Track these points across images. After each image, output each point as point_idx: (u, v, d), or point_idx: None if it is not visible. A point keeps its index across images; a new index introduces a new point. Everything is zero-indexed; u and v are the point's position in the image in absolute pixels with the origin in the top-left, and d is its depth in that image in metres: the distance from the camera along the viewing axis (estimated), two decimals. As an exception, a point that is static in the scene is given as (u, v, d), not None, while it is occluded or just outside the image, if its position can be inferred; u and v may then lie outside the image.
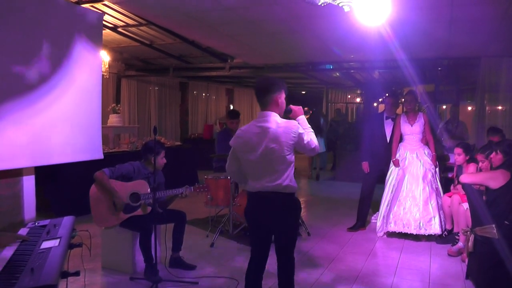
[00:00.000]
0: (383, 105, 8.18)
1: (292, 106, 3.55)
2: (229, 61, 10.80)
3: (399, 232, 6.09)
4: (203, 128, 15.16)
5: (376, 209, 6.62)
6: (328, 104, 16.81)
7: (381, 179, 6.51)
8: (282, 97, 3.42)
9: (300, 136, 3.30)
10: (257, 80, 3.78)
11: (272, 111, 3.37)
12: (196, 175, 10.48)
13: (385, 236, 6.25)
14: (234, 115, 7.32)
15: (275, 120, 3.33)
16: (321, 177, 11.89)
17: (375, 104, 15.44)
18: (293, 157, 3.38)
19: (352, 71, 12.05)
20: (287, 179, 3.34)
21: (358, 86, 16.21)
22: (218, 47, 9.46)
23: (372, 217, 7.00)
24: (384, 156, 6.43)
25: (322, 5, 4.28)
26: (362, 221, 6.67)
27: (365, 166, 6.56)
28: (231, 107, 17.30)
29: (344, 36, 6.84)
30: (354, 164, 8.65)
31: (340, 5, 4.20)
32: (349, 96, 18.67)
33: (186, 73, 12.63)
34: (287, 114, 3.55)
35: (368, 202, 6.70)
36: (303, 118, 3.52)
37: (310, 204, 8.70)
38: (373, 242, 6.03)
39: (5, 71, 4.79)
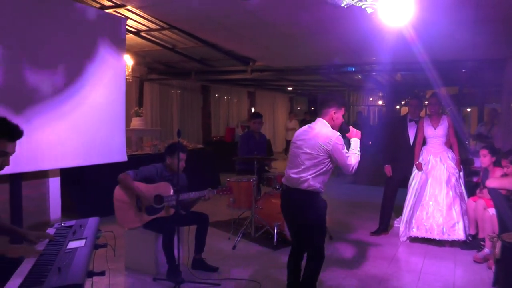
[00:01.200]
0: (406, 107, 8.10)
1: (351, 127, 3.94)
2: (251, 64, 10.82)
3: (422, 237, 5.99)
4: (225, 131, 15.22)
5: (399, 213, 6.52)
6: (350, 107, 16.72)
7: (404, 183, 6.41)
8: (338, 113, 3.84)
9: (335, 147, 3.65)
10: (322, 94, 4.13)
11: (323, 119, 3.84)
12: (218, 177, 10.52)
13: (408, 241, 6.15)
14: (255, 115, 7.36)
15: (321, 125, 3.81)
16: (342, 181, 11.83)
17: (397, 107, 15.30)
18: (327, 162, 3.73)
19: (374, 73, 11.96)
20: (310, 176, 3.72)
21: (380, 89, 16.09)
22: (239, 50, 9.50)
23: (395, 222, 6.91)
24: (407, 160, 6.32)
25: (345, 7, 4.27)
26: (384, 226, 6.60)
27: (388, 169, 6.49)
28: (253, 110, 17.33)
29: (366, 38, 6.80)
30: (376, 167, 8.57)
31: (363, 7, 4.19)
32: (371, 99, 18.56)
33: (208, 77, 12.69)
34: (344, 133, 3.90)
35: (390, 206, 6.61)
36: (355, 141, 3.90)
37: (332, 208, 8.57)
38: (395, 247, 5.96)
39: (32, 76, 4.88)
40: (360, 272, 5.02)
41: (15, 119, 3.05)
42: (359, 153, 3.84)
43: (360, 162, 3.82)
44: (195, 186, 5.01)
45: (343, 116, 3.92)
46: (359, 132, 3.93)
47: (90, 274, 2.61)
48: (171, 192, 4.78)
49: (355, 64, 10.37)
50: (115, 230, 3.64)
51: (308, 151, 3.74)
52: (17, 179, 5.01)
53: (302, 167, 3.75)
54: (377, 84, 14.48)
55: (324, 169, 3.75)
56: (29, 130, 4.77)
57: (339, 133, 3.76)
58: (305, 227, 3.86)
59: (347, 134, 3.93)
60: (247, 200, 6.20)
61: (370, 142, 3.69)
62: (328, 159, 3.73)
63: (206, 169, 10.08)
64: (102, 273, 2.69)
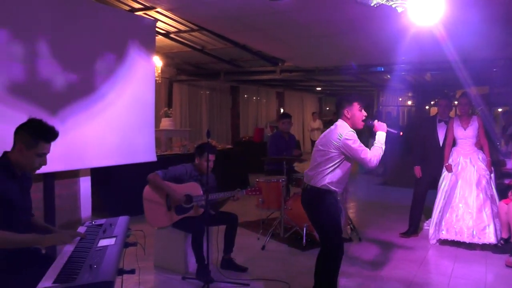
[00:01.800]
0: (435, 108, 7.96)
1: (375, 122, 3.95)
2: (280, 64, 10.82)
3: (451, 240, 5.87)
4: (253, 132, 15.25)
5: (429, 215, 6.41)
6: (379, 107, 16.54)
7: (434, 185, 6.29)
8: (352, 110, 3.88)
9: (344, 142, 3.70)
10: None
11: (342, 120, 3.91)
12: (247, 178, 10.55)
13: (438, 243, 6.04)
14: (284, 116, 7.38)
15: (338, 124, 3.88)
16: (372, 182, 11.72)
17: (427, 107, 15.06)
18: (341, 159, 3.78)
19: (403, 73, 11.80)
20: (322, 173, 3.81)
21: (409, 89, 15.86)
22: (268, 51, 9.50)
23: (425, 224, 6.80)
24: (436, 161, 6.20)
25: (375, 6, 4.24)
26: (414, 228, 6.50)
27: (417, 171, 6.38)
28: (282, 110, 17.32)
29: (396, 37, 6.73)
30: (405, 168, 8.46)
31: (393, 6, 4.15)
32: (400, 99, 18.31)
33: (237, 77, 12.75)
34: (370, 127, 3.98)
35: (420, 208, 6.50)
36: (379, 134, 3.89)
37: (361, 209, 8.58)
38: (425, 250, 5.87)
39: (65, 77, 5.00)
40: (389, 274, 4.96)
41: (50, 120, 3.14)
42: (383, 146, 3.82)
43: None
44: (224, 186, 5.04)
45: (363, 110, 3.93)
46: (383, 125, 3.92)
47: (121, 272, 2.65)
48: (200, 192, 4.82)
49: (384, 64, 10.27)
50: (145, 229, 3.69)
51: (320, 148, 3.85)
52: (50, 178, 5.14)
53: (315, 163, 3.87)
54: (406, 84, 14.28)
55: (335, 166, 3.79)
56: (63, 130, 4.87)
57: (351, 130, 3.79)
58: (317, 225, 4.04)
59: (374, 129, 3.95)
60: (276, 201, 6.20)
61: (401, 133, 3.62)
62: (342, 156, 3.77)
63: (235, 169, 10.11)
64: (132, 271, 2.73)
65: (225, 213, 5.09)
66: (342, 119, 3.91)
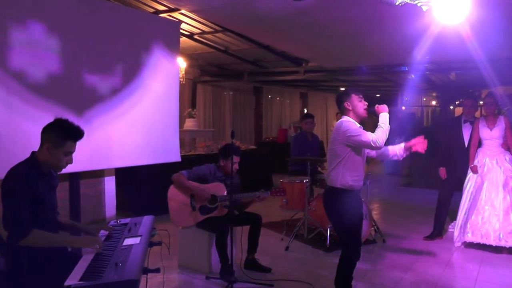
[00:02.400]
0: (460, 108, 7.81)
1: (376, 106, 3.91)
2: (303, 64, 10.79)
3: (477, 243, 5.75)
4: (277, 132, 15.23)
5: (454, 217, 6.29)
6: (402, 108, 16.34)
7: (459, 186, 6.15)
8: (351, 102, 3.91)
9: (342, 131, 3.74)
10: None
11: (346, 115, 3.92)
12: (271, 178, 10.54)
13: (463, 246, 5.92)
14: (307, 115, 7.38)
15: (339, 122, 3.92)
16: (396, 183, 11.59)
17: (451, 107, 14.82)
18: (346, 152, 3.78)
19: (427, 72, 11.62)
20: (333, 171, 3.84)
21: (434, 89, 15.62)
22: (292, 51, 9.49)
23: (450, 226, 6.68)
24: (462, 162, 6.07)
25: (399, 5, 4.20)
26: (439, 230, 6.38)
27: (442, 172, 6.27)
28: (305, 110, 17.26)
29: (420, 37, 6.64)
30: (430, 170, 8.34)
31: (418, 4, 4.10)
32: (424, 99, 18.08)
33: (261, 78, 12.74)
34: (374, 113, 3.93)
35: (445, 210, 6.37)
36: (382, 115, 3.84)
37: (385, 211, 8.49)
38: (450, 252, 5.77)
39: (90, 78, 5.09)
40: (414, 277, 4.89)
41: (76, 120, 3.19)
42: (386, 125, 3.76)
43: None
44: (247, 187, 5.05)
45: (363, 100, 3.93)
46: (385, 106, 3.89)
47: (145, 270, 2.68)
48: (225, 192, 4.83)
49: (408, 64, 10.13)
50: (169, 228, 3.72)
51: (330, 147, 3.93)
52: (75, 177, 5.23)
53: (329, 164, 3.93)
54: (431, 84, 14.08)
55: (345, 160, 3.78)
56: (89, 130, 4.96)
57: (349, 119, 3.85)
58: (333, 225, 4.18)
59: (377, 112, 3.92)
60: (300, 201, 6.18)
61: (403, 107, 3.53)
62: (348, 149, 3.77)
63: (259, 170, 10.12)
64: (157, 270, 2.77)
65: (249, 214, 5.09)
66: (346, 114, 3.93)
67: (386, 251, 5.79)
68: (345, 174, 3.79)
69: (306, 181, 6.16)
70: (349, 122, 3.80)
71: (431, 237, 6.33)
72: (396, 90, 16.38)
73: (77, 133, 2.97)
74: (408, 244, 6.14)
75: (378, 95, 19.66)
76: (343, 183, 3.80)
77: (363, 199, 5.86)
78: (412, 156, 11.20)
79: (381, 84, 15.09)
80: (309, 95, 17.96)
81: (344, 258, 3.90)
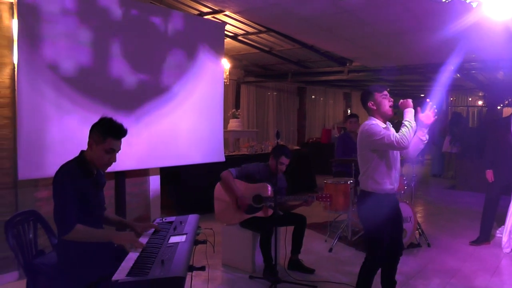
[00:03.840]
0: (509, 108, 7.53)
1: (400, 102, 3.68)
2: (347, 64, 10.67)
3: (527, 250, 5.52)
4: (320, 133, 15.13)
5: (502, 222, 6.06)
6: (447, 108, 15.91)
7: (507, 190, 5.89)
8: (375, 100, 3.70)
9: (365, 135, 3.59)
10: None
11: (372, 116, 3.74)
12: (315, 179, 10.48)
13: (512, 253, 5.72)
14: (351, 115, 7.31)
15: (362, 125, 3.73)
16: (441, 186, 11.32)
17: (499, 108, 14.32)
18: (374, 157, 3.62)
19: (473, 71, 11.26)
20: (364, 175, 3.71)
21: (480, 88, 15.11)
22: (336, 51, 9.40)
23: (497, 231, 6.45)
24: (510, 165, 5.83)
25: (446, 1, 4.09)
26: (485, 235, 6.15)
27: (489, 175, 6.02)
28: (349, 111, 17.08)
29: (467, 34, 6.45)
30: (476, 172, 8.09)
31: (467, 1, 3.98)
32: (470, 99, 17.54)
33: (304, 78, 12.69)
34: (399, 109, 3.70)
35: (492, 215, 6.11)
36: (407, 111, 3.59)
37: (430, 214, 8.26)
38: (498, 259, 5.55)
39: (139, 79, 5.20)
40: (459, 283, 4.74)
41: (126, 120, 3.26)
42: (411, 123, 3.50)
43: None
44: (292, 187, 5.03)
45: (388, 96, 3.71)
46: (408, 101, 3.63)
47: (191, 268, 2.71)
48: (270, 193, 4.83)
49: (454, 62, 9.83)
50: (214, 227, 3.75)
51: (358, 151, 3.78)
52: (121, 176, 5.35)
53: (360, 168, 3.79)
54: (477, 83, 13.65)
55: (373, 164, 3.64)
56: (137, 129, 5.08)
57: (372, 122, 3.64)
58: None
59: (401, 108, 3.67)
60: (344, 203, 6.10)
61: (428, 100, 3.27)
62: (375, 154, 3.62)
63: (303, 170, 10.08)
64: (202, 268, 2.79)
65: (294, 214, 5.08)
66: (371, 115, 3.74)
67: (431, 255, 5.64)
68: (375, 178, 3.65)
69: (350, 182, 6.08)
70: (372, 125, 3.59)
71: (477, 242, 6.12)
72: (441, 90, 15.93)
73: (118, 131, 3.01)
74: (453, 248, 5.96)
75: (422, 95, 19.23)
76: (373, 187, 3.66)
77: (407, 201, 5.77)
78: (457, 157, 10.91)
79: (426, 84, 14.75)
80: (353, 95, 17.75)
81: (364, 263, 3.80)
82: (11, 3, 4.42)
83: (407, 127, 3.47)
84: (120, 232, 2.97)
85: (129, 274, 2.34)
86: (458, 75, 11.68)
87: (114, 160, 3.08)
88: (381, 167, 3.64)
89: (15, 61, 4.33)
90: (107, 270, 2.56)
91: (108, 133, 2.98)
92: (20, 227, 3.12)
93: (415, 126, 3.52)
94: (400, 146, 3.43)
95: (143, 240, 2.93)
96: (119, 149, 3.08)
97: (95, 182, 3.11)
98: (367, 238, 3.85)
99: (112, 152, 3.03)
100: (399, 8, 5.72)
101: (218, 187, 5.06)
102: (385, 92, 3.70)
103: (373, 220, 3.66)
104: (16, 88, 4.28)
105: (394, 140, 3.42)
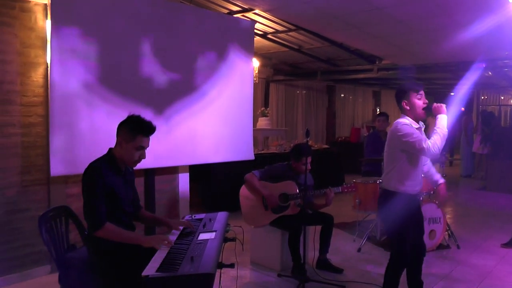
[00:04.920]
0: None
1: (433, 107, 3.58)
2: (377, 62, 10.57)
3: None
4: (349, 132, 15.01)
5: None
6: (478, 107, 15.57)
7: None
8: (410, 99, 3.61)
9: (396, 136, 3.54)
10: None
11: (405, 115, 3.66)
12: (343, 178, 10.41)
13: (547, 256, 5.54)
14: (380, 113, 7.22)
15: (394, 122, 3.65)
16: (473, 187, 11.10)
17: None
18: (402, 157, 3.57)
19: (506, 69, 10.96)
20: (389, 174, 3.68)
21: (513, 86, 14.72)
22: (366, 49, 9.33)
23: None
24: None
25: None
26: (517, 238, 6.02)
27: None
28: (378, 110, 16.89)
29: (501, 30, 6.29)
30: (507, 173, 7.87)
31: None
32: (502, 98, 17.11)
33: (334, 76, 12.59)
34: (431, 112, 3.62)
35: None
36: (440, 117, 3.52)
37: (460, 215, 8.08)
38: (531, 263, 5.39)
39: (169, 77, 5.25)
40: (492, 286, 4.63)
41: (156, 119, 3.30)
42: (444, 130, 3.43)
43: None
44: (320, 187, 5.00)
45: (423, 98, 3.61)
46: (441, 106, 3.54)
47: (220, 265, 2.73)
48: (296, 191, 4.82)
49: (486, 60, 9.60)
50: (243, 225, 3.77)
51: (386, 149, 3.74)
52: (151, 173, 5.41)
53: (385, 166, 3.76)
54: (510, 81, 13.30)
55: (399, 164, 3.60)
56: (168, 128, 5.14)
57: (404, 121, 3.57)
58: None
59: (434, 113, 3.58)
60: (373, 203, 6.03)
61: (462, 109, 3.20)
62: (404, 154, 3.57)
63: (331, 169, 10.02)
64: (231, 266, 2.81)
65: (322, 213, 5.05)
66: (404, 113, 3.66)
67: (460, 257, 5.52)
68: (399, 179, 3.62)
69: (379, 181, 6.01)
70: (405, 125, 3.53)
71: (509, 245, 5.96)
72: (472, 89, 15.59)
73: (147, 128, 3.04)
74: (484, 251, 5.81)
75: (452, 94, 18.84)
76: (396, 187, 3.63)
77: (436, 202, 5.67)
78: (488, 158, 10.65)
79: (456, 82, 14.47)
80: (382, 94, 17.55)
81: (389, 263, 3.76)
82: (45, 4, 4.52)
83: (439, 134, 3.42)
84: (148, 236, 3.00)
85: (159, 270, 2.37)
86: (490, 73, 11.41)
87: (144, 157, 3.13)
88: (408, 168, 3.61)
89: (48, 61, 4.42)
90: (137, 265, 2.59)
91: (137, 131, 3.02)
92: (52, 222, 3.19)
93: (447, 134, 3.46)
94: (430, 153, 3.43)
95: (172, 238, 2.95)
96: (148, 145, 3.12)
97: (124, 179, 3.16)
98: (390, 237, 3.84)
99: (141, 149, 3.07)
100: (431, 4, 5.63)
101: (243, 190, 5.06)
102: (421, 92, 3.63)
103: (394, 219, 3.63)
104: (49, 86, 4.37)
105: (426, 147, 3.39)
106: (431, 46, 8.13)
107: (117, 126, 3.10)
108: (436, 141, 3.39)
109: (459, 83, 12.59)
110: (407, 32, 7.09)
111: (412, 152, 3.53)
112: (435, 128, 3.46)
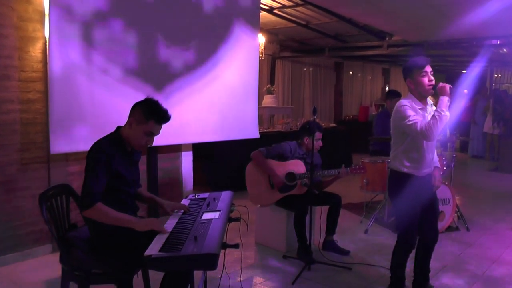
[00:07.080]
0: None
1: (438, 87, 3.39)
2: (387, 38, 10.35)
3: None
4: (357, 110, 14.84)
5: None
6: (492, 85, 15.30)
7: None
8: (414, 78, 3.45)
9: (395, 115, 3.47)
10: None
11: (411, 93, 3.53)
12: (351, 158, 10.29)
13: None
14: (395, 94, 6.81)
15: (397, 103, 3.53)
16: (484, 168, 10.94)
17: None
18: (402, 136, 3.48)
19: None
20: (394, 154, 3.60)
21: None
22: (376, 24, 9.11)
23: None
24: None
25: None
26: (530, 220, 5.89)
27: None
28: (387, 88, 16.67)
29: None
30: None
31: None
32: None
33: (342, 53, 12.42)
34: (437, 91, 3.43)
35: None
36: (441, 99, 3.32)
37: (470, 196, 7.91)
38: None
39: (169, 54, 5.11)
40: (500, 270, 4.50)
41: (156, 96, 3.17)
42: (442, 113, 3.22)
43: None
44: (328, 166, 4.89)
45: (428, 74, 3.42)
46: (445, 87, 3.33)
47: (224, 245, 2.65)
48: (304, 170, 4.70)
49: (501, 36, 9.36)
50: (248, 204, 3.66)
51: (391, 130, 3.64)
52: (154, 152, 5.32)
53: (392, 145, 3.68)
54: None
55: (403, 145, 3.50)
56: (168, 105, 4.98)
57: (404, 102, 3.41)
58: None
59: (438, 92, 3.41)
60: (381, 183, 5.91)
61: (465, 91, 3.04)
62: (406, 135, 3.45)
63: (339, 148, 9.90)
64: (236, 246, 2.72)
65: (329, 194, 4.92)
66: (409, 91, 3.53)
67: (470, 239, 5.41)
68: (404, 159, 3.51)
69: (388, 161, 5.88)
70: (404, 106, 3.37)
71: (520, 227, 5.85)
72: (486, 66, 15.32)
73: (162, 115, 2.93)
74: (494, 233, 5.69)
75: (464, 71, 18.56)
76: (400, 168, 3.52)
77: (446, 183, 5.53)
78: (500, 138, 10.50)
79: (469, 59, 14.21)
80: (392, 71, 17.30)
81: (396, 244, 3.69)
82: (43, -24, 4.36)
83: (436, 118, 3.22)
84: (142, 220, 2.88)
85: (162, 250, 2.32)
86: (505, 49, 11.16)
87: (151, 144, 3.02)
88: (412, 149, 3.49)
89: (47, 35, 4.28)
90: (138, 245, 2.53)
91: (152, 116, 2.90)
92: (53, 201, 3.10)
93: (448, 117, 3.26)
94: (424, 137, 3.30)
95: (173, 221, 2.85)
96: (158, 133, 3.02)
97: (130, 159, 3.05)
98: (397, 218, 3.77)
99: (151, 135, 2.97)
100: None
101: (249, 168, 4.93)
102: (426, 69, 3.42)
103: (401, 200, 3.53)
104: (48, 61, 4.23)
105: (418, 128, 3.26)
106: (442, 21, 7.91)
107: (132, 106, 2.98)
108: (432, 125, 3.21)
109: (472, 61, 12.38)
110: (418, 6, 6.89)
111: (412, 134, 3.40)
112: (435, 111, 3.30)
